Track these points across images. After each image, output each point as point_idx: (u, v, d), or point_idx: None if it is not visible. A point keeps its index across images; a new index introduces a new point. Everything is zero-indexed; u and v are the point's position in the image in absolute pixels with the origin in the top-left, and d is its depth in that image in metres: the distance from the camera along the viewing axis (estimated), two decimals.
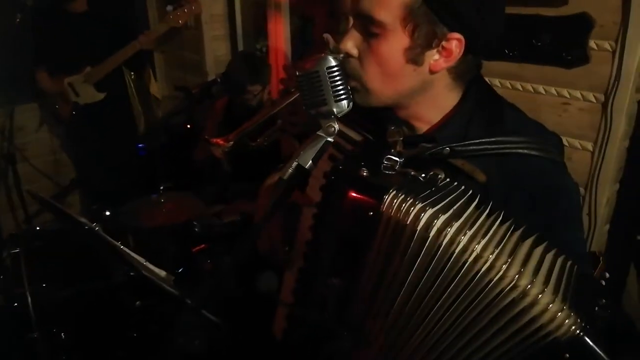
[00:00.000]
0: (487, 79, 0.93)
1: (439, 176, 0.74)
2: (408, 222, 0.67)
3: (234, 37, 3.11)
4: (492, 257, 0.63)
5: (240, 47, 3.10)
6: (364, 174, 0.73)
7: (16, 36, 2.76)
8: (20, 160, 3.08)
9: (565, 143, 1.60)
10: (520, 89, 1.74)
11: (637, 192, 1.60)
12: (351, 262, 0.73)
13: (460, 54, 0.77)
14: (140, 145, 2.71)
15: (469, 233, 0.65)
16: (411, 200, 0.68)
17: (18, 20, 2.68)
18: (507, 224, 0.69)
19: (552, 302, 0.60)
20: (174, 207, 2.15)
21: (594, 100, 1.58)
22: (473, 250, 0.64)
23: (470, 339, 0.65)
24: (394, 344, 0.72)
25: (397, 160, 0.76)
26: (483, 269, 0.63)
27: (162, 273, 1.31)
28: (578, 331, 0.59)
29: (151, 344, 1.75)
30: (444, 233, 0.65)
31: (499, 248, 0.64)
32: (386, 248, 0.70)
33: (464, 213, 0.68)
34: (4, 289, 1.75)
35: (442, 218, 0.66)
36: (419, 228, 0.66)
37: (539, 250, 0.67)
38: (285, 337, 0.85)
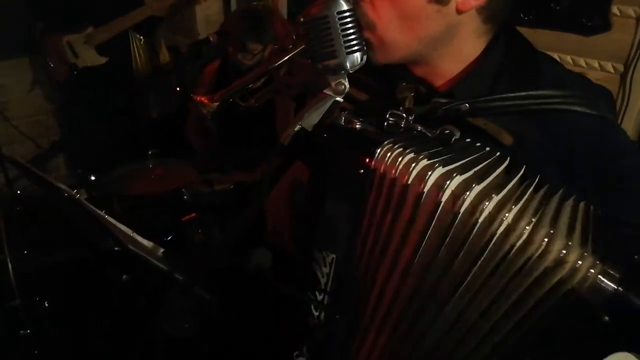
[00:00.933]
0: None
1: (454, 135, 0.62)
2: (409, 182, 0.55)
3: None
4: (509, 216, 0.52)
5: (234, 7, 2.93)
6: (357, 126, 0.62)
7: None
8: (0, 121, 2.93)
9: None
10: None
11: None
12: (343, 232, 0.62)
13: None
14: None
15: (495, 199, 0.53)
16: (412, 155, 0.55)
17: None
18: (542, 191, 0.58)
19: (565, 247, 0.48)
20: (163, 174, 2.04)
21: (612, 71, 1.49)
22: (497, 216, 0.53)
23: (485, 311, 0.55)
24: (400, 335, 0.61)
25: (403, 116, 0.64)
26: (500, 230, 0.52)
27: (150, 245, 1.22)
28: (615, 286, 0.47)
29: (138, 316, 1.69)
30: (461, 198, 0.53)
31: (519, 205, 0.53)
32: (380, 213, 0.59)
33: (487, 176, 0.56)
34: None
35: (458, 179, 0.54)
36: (426, 190, 0.54)
37: (569, 207, 0.56)
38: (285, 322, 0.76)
